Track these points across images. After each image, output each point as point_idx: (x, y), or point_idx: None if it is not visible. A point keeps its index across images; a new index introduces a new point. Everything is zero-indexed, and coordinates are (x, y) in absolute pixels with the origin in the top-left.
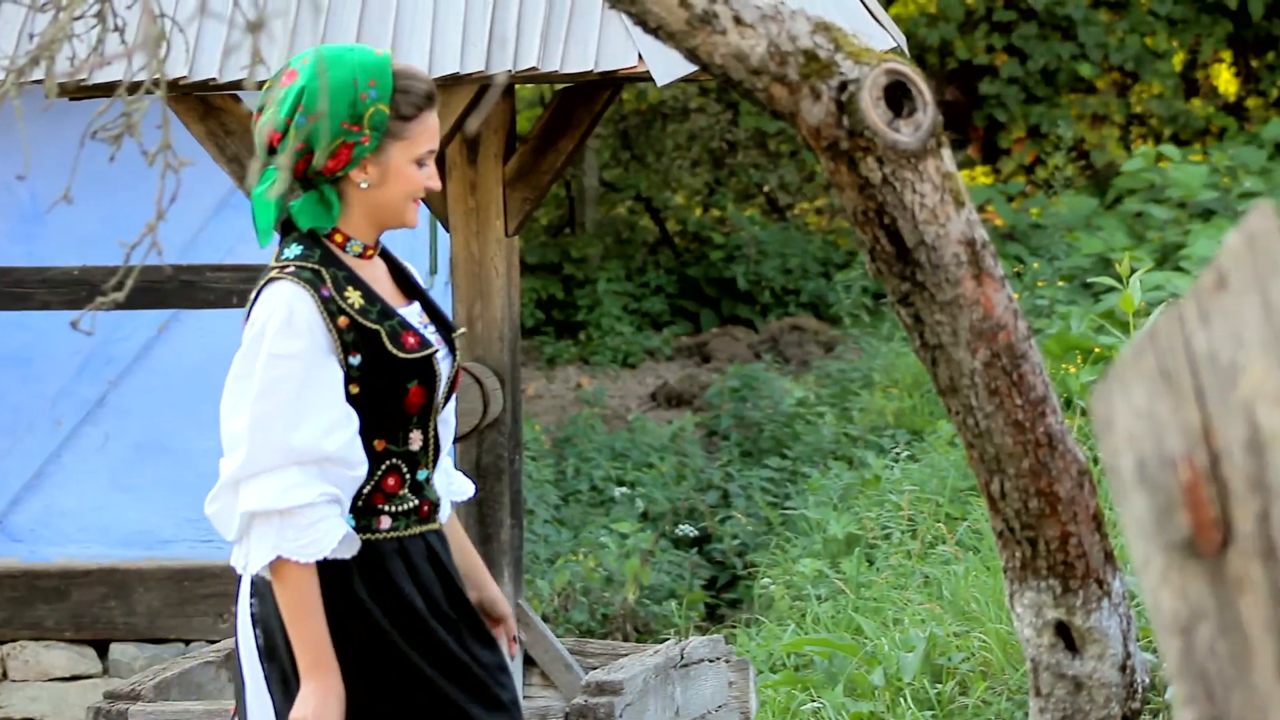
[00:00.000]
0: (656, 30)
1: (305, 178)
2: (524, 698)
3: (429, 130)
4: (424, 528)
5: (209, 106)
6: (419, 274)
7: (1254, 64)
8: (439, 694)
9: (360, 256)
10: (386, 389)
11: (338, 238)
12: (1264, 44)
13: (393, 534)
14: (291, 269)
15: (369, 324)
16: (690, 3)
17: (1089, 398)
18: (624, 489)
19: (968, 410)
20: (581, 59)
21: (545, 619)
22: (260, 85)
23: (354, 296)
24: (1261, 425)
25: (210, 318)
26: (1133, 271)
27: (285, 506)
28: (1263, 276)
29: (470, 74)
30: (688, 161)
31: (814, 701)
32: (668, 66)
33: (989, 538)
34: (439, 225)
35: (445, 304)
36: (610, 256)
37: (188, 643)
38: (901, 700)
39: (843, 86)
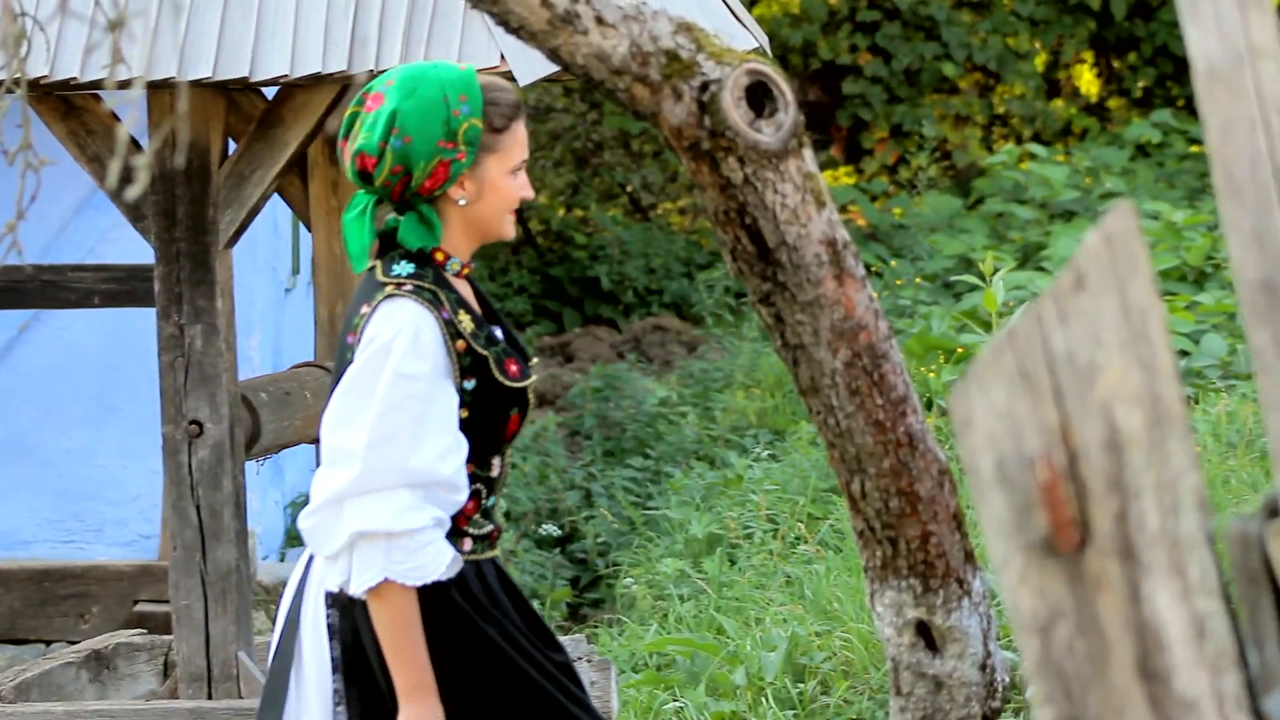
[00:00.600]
0: (518, 30)
1: (402, 199)
2: None
3: (520, 140)
4: (492, 553)
5: (70, 106)
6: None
7: (1116, 64)
8: (542, 692)
9: (457, 275)
10: (490, 415)
11: (439, 256)
12: (1126, 44)
13: (472, 556)
14: (410, 288)
15: (480, 349)
16: (552, 3)
17: (949, 397)
18: None
19: (829, 410)
20: (444, 58)
21: None
22: (121, 84)
23: (465, 320)
24: (1119, 425)
25: (71, 318)
26: (995, 270)
27: (400, 529)
28: (1121, 277)
29: (332, 74)
30: (551, 161)
31: (676, 701)
32: (530, 66)
33: (850, 537)
34: (301, 225)
35: (307, 304)
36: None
37: (48, 643)
38: (763, 700)
39: (704, 87)
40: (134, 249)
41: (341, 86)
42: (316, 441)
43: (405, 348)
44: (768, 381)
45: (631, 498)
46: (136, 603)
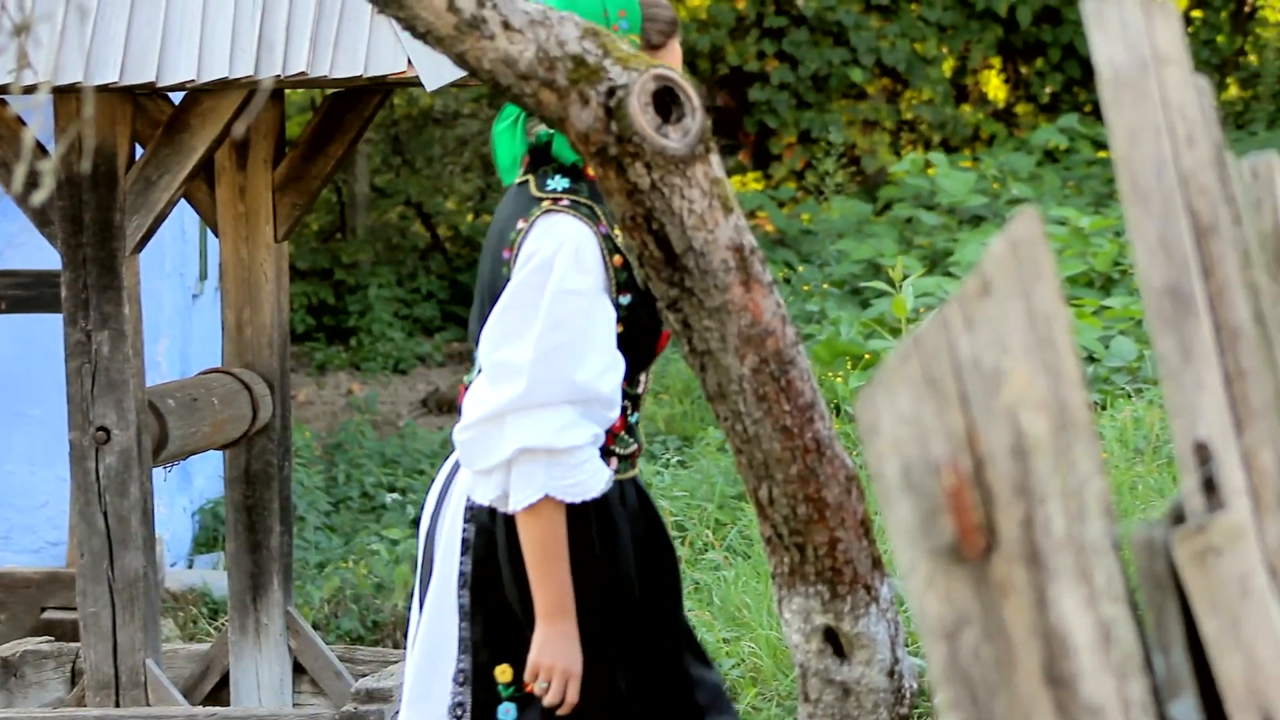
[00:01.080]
0: (425, 35)
1: None
2: (293, 705)
3: (677, 57)
4: (633, 472)
5: None
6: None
7: (1023, 70)
8: (628, 637)
9: None
10: (645, 331)
11: (590, 171)
12: (1033, 50)
13: (616, 476)
14: (567, 202)
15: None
16: (458, 7)
17: (855, 403)
18: (395, 495)
19: (736, 416)
20: (351, 64)
21: (315, 626)
22: (27, 89)
23: (620, 234)
24: (1025, 431)
25: None
26: (905, 277)
27: (564, 446)
28: (1026, 282)
29: (239, 78)
30: (459, 167)
31: None
32: (437, 71)
33: (759, 544)
34: (209, 230)
35: (215, 310)
36: (381, 262)
37: None
38: None
39: (611, 92)
40: (41, 255)
41: (248, 91)
42: (224, 447)
43: (567, 263)
44: (676, 388)
45: None
46: (44, 610)
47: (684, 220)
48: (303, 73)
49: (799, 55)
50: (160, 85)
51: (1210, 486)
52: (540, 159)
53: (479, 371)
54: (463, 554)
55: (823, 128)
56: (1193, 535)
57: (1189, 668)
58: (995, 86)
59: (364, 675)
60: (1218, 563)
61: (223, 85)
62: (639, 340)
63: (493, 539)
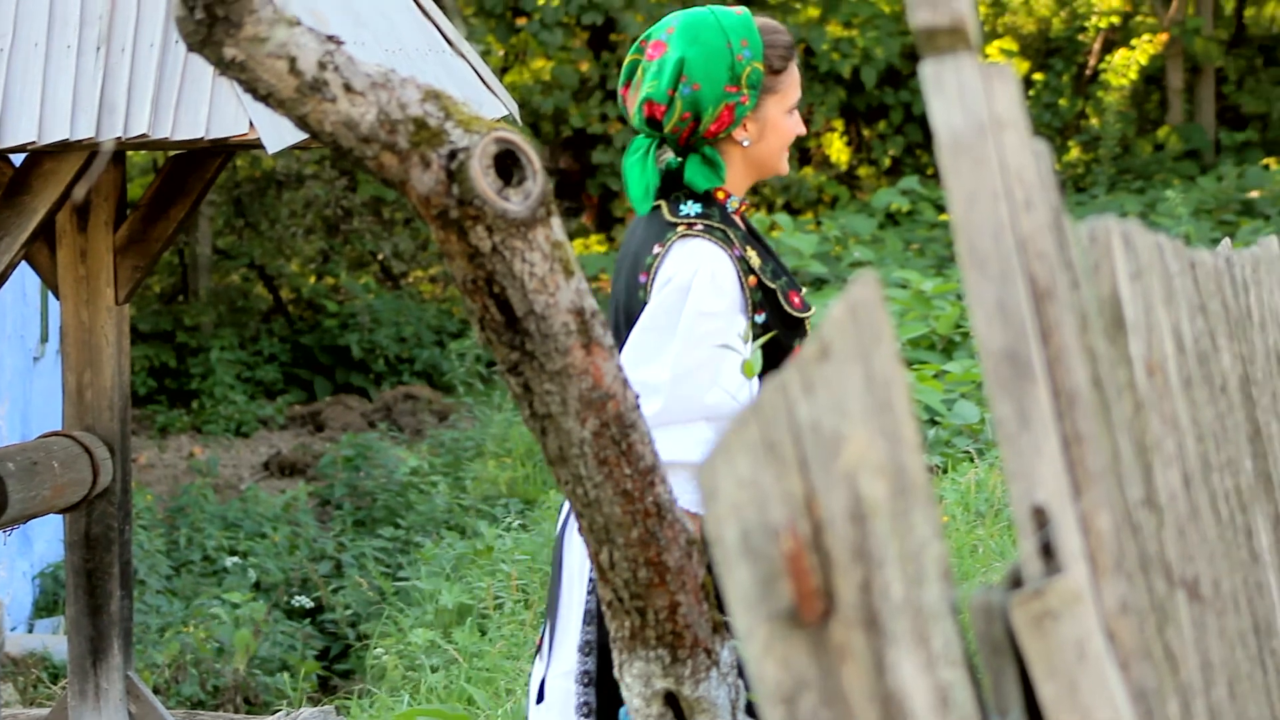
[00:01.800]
0: (267, 98)
1: (687, 142)
2: None
3: (796, 80)
4: None
5: None
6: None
7: (866, 133)
8: None
9: (735, 212)
10: (777, 347)
11: (720, 195)
12: (876, 113)
13: None
14: (701, 227)
15: (769, 282)
16: (300, 70)
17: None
18: (236, 559)
19: (577, 480)
20: (192, 126)
21: (156, 691)
22: None
23: (752, 255)
24: (863, 495)
25: None
26: (756, 336)
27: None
28: (865, 346)
29: (80, 140)
30: (302, 229)
31: None
32: (279, 134)
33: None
34: (50, 293)
35: (56, 373)
36: (224, 324)
37: None
38: None
39: (452, 155)
40: None
41: (89, 153)
42: (64, 511)
43: (704, 286)
44: (519, 451)
45: (382, 568)
46: None
47: (525, 284)
48: (144, 134)
49: None
50: (0, 147)
51: (1048, 550)
52: (671, 186)
53: None
54: (589, 592)
55: None
56: (1030, 599)
57: None
58: (838, 149)
59: None
60: (1055, 627)
61: (64, 147)
62: (769, 358)
63: None
